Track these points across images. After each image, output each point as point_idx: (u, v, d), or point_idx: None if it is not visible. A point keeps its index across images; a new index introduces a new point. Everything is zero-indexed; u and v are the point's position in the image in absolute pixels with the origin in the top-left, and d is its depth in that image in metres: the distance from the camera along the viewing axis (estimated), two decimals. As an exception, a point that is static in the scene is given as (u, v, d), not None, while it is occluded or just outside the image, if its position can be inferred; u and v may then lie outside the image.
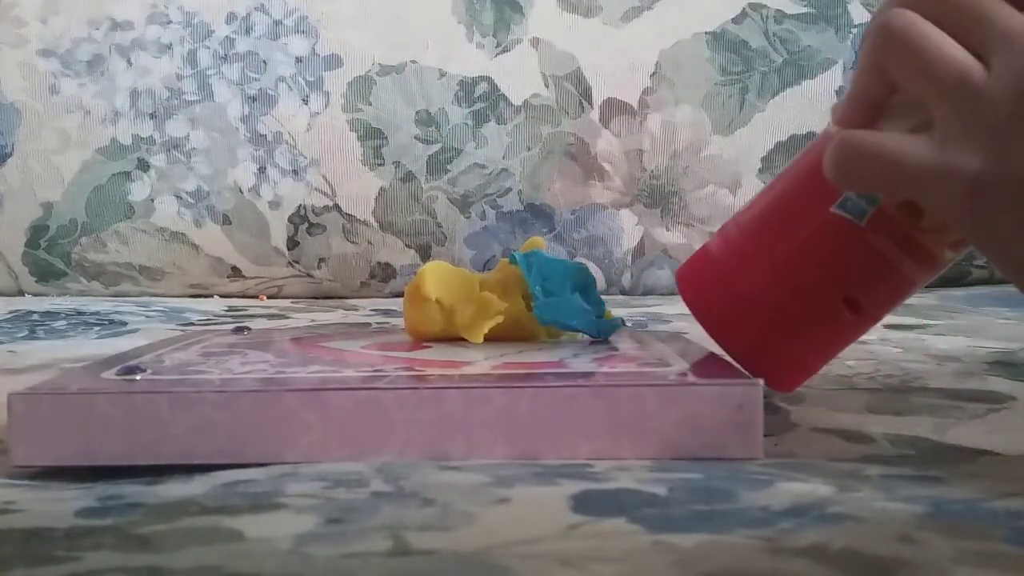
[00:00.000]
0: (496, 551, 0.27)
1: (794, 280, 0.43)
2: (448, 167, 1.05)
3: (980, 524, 0.29)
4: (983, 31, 0.36)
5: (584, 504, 0.31)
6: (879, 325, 0.77)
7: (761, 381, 0.38)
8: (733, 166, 1.06)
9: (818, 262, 0.43)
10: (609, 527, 0.29)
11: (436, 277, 0.51)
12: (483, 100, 1.06)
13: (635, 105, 1.06)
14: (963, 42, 0.36)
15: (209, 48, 1.07)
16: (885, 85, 0.39)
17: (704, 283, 0.46)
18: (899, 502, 0.31)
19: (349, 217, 1.05)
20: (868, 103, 0.40)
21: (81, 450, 0.38)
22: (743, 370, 0.42)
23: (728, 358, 0.45)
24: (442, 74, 1.06)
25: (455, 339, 0.51)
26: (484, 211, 1.05)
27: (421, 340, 0.52)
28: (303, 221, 1.05)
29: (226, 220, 1.05)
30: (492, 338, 0.50)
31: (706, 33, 1.07)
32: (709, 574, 0.25)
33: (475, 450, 0.37)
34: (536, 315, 0.50)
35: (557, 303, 0.50)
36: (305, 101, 1.05)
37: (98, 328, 0.79)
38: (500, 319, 0.50)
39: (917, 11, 0.37)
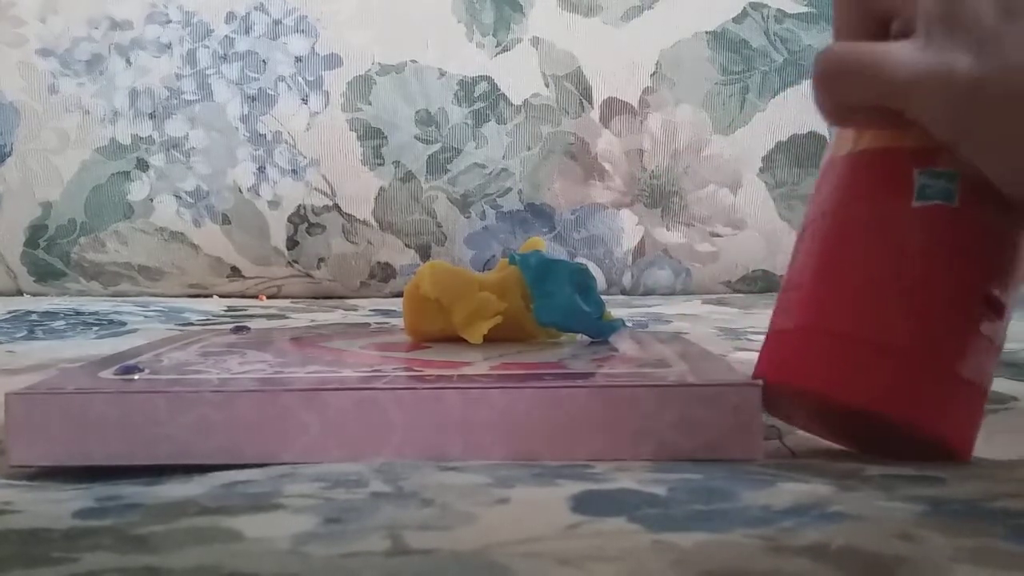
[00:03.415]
0: (495, 550, 0.27)
1: (916, 296, 0.36)
2: (448, 167, 1.05)
3: (979, 523, 0.29)
4: None
5: (584, 504, 0.31)
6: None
7: (760, 382, 0.38)
8: (734, 166, 1.06)
9: (937, 264, 0.36)
10: (609, 527, 0.29)
11: (435, 277, 0.51)
12: (483, 100, 1.05)
13: (635, 105, 1.06)
14: None
15: (208, 47, 1.07)
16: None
17: (804, 355, 0.38)
18: (899, 501, 0.31)
19: (349, 217, 1.05)
20: (858, 31, 0.37)
21: (79, 450, 0.37)
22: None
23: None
24: (442, 74, 1.06)
25: (454, 339, 0.50)
26: (484, 211, 1.05)
27: (420, 340, 0.52)
28: (303, 221, 1.05)
29: (225, 220, 1.05)
30: (491, 338, 0.50)
31: (706, 32, 1.07)
32: (709, 573, 0.25)
33: (473, 451, 0.37)
34: (535, 316, 0.50)
35: (556, 304, 0.50)
36: (305, 101, 1.05)
37: (97, 328, 0.79)
38: (499, 319, 0.50)
39: None
